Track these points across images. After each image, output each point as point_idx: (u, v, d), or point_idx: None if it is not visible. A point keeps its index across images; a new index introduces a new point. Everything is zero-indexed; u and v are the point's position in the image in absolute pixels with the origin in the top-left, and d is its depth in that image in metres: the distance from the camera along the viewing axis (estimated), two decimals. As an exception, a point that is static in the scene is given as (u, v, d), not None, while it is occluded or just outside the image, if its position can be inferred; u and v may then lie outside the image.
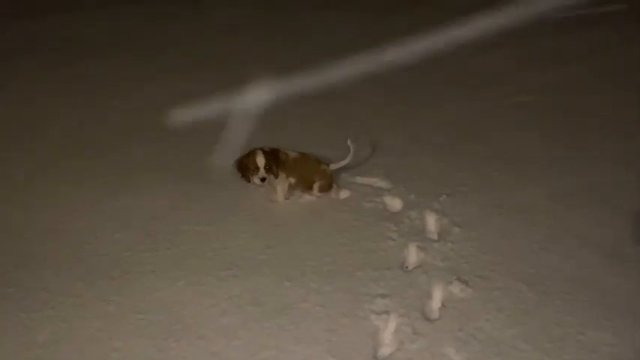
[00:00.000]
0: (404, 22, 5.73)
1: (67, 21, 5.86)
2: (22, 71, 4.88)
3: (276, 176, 3.08)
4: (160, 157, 3.67)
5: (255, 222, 3.08)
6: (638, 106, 4.21)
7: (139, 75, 4.80)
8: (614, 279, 2.70)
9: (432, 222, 3.06)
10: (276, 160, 3.07)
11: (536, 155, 3.65)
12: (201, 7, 6.27)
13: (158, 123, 4.06)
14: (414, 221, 3.06)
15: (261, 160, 2.99)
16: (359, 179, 3.38)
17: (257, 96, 4.41)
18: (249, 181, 3.07)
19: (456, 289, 2.64)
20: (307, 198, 3.23)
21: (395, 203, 3.20)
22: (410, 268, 2.79)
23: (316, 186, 3.18)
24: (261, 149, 3.04)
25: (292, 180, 3.18)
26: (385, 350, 2.39)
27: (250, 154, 3.04)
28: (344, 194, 3.26)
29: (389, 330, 2.46)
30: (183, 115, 4.17)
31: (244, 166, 3.05)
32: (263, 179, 3.01)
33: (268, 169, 3.01)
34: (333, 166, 3.21)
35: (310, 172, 3.17)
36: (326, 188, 3.20)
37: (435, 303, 2.60)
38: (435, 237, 2.97)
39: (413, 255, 2.86)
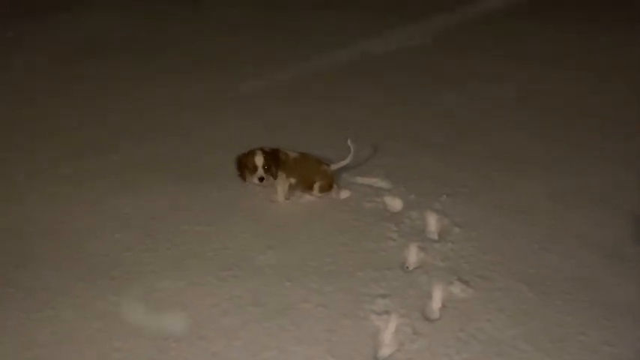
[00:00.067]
0: (404, 22, 5.74)
1: (67, 21, 5.86)
2: (22, 71, 4.87)
3: (275, 177, 3.08)
4: (159, 157, 3.66)
5: (255, 222, 3.08)
6: (638, 106, 4.22)
7: (139, 75, 4.80)
8: (614, 279, 2.71)
9: (432, 222, 3.06)
10: (275, 160, 3.07)
11: (536, 155, 3.65)
12: (201, 7, 6.27)
13: (158, 123, 4.06)
14: (415, 221, 3.06)
15: (259, 160, 2.99)
16: (359, 179, 3.38)
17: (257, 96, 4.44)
18: (245, 180, 3.07)
19: (457, 289, 2.64)
20: (308, 198, 3.23)
21: (395, 203, 3.20)
22: (410, 268, 2.79)
23: (317, 186, 3.18)
24: (262, 149, 3.04)
25: (293, 180, 3.17)
26: (386, 350, 2.39)
27: (250, 154, 3.04)
28: (344, 194, 3.26)
29: (389, 330, 2.46)
30: (184, 114, 4.18)
31: (242, 165, 3.06)
32: (261, 179, 3.01)
33: (267, 169, 3.01)
34: (333, 167, 3.21)
35: (311, 172, 3.17)
36: (326, 188, 3.20)
37: (436, 303, 2.60)
38: (436, 237, 2.98)
39: (413, 255, 2.86)
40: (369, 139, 3.68)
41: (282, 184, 3.16)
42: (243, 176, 3.08)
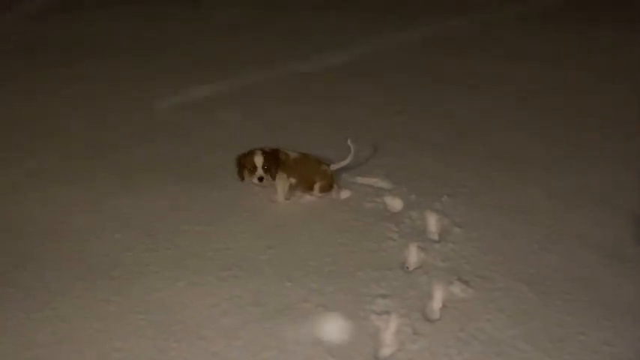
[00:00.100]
0: (404, 22, 5.74)
1: (67, 21, 5.86)
2: (22, 71, 4.87)
3: (273, 177, 3.07)
4: (159, 157, 3.66)
5: (255, 222, 3.08)
6: (638, 106, 4.22)
7: (139, 75, 4.80)
8: (614, 279, 2.70)
9: (432, 222, 3.06)
10: (275, 160, 3.07)
11: (536, 155, 3.65)
12: (201, 7, 6.28)
13: (158, 123, 4.06)
14: (415, 221, 3.06)
15: (259, 160, 3.00)
16: (359, 179, 3.38)
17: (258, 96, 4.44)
18: (242, 179, 3.07)
19: (457, 289, 2.64)
20: (308, 198, 3.23)
21: (395, 203, 3.20)
22: (411, 268, 2.79)
23: (317, 186, 3.17)
24: (262, 149, 3.04)
25: (293, 180, 3.17)
26: (386, 351, 2.39)
27: (249, 154, 3.04)
28: (345, 194, 3.26)
29: (390, 330, 2.46)
30: (184, 114, 4.18)
31: (241, 165, 3.06)
32: (260, 179, 3.01)
33: (266, 169, 3.01)
34: (333, 167, 3.21)
35: (311, 172, 3.17)
36: (327, 188, 3.20)
37: (436, 303, 2.59)
38: (436, 237, 2.97)
39: (414, 255, 2.85)
40: (369, 139, 3.68)
41: (282, 184, 3.16)
42: (241, 175, 3.08)
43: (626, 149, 3.68)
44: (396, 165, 3.50)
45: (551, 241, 2.93)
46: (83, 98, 4.44)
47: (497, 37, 5.43)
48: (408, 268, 2.79)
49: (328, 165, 3.21)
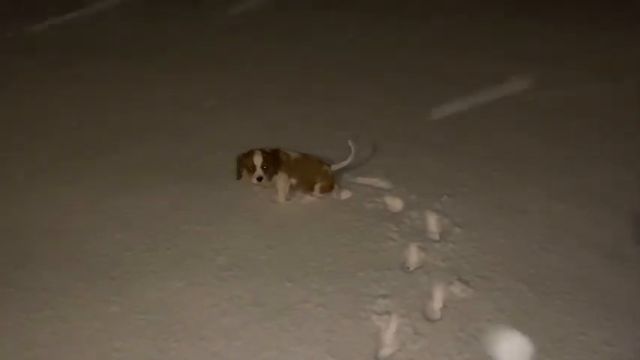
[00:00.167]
0: (404, 22, 5.74)
1: (67, 21, 5.86)
2: (22, 71, 4.87)
3: (270, 177, 3.07)
4: (159, 157, 3.66)
5: (256, 222, 3.08)
6: (638, 106, 4.22)
7: (139, 75, 4.80)
8: (614, 279, 2.70)
9: (432, 222, 3.06)
10: (275, 160, 3.07)
11: (536, 155, 3.65)
12: (201, 7, 6.28)
13: (158, 123, 4.06)
14: (415, 221, 3.06)
15: (258, 160, 2.99)
16: (360, 179, 3.38)
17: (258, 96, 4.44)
18: (239, 179, 3.07)
19: (457, 289, 2.64)
20: (308, 198, 3.23)
21: (396, 203, 3.20)
22: (411, 268, 2.79)
23: (317, 186, 3.18)
24: (262, 149, 3.04)
25: (293, 180, 3.17)
26: (386, 351, 2.39)
27: (249, 154, 3.03)
28: (345, 195, 3.26)
29: (390, 330, 2.46)
30: (184, 114, 4.18)
31: (240, 164, 3.06)
32: (259, 179, 3.01)
33: (265, 169, 3.01)
34: (334, 167, 3.21)
35: (311, 172, 3.17)
36: (327, 189, 3.20)
37: (436, 303, 2.59)
38: (436, 237, 2.97)
39: (414, 255, 2.85)
40: (369, 139, 3.68)
41: (282, 184, 3.16)
42: (239, 175, 3.07)
43: (626, 149, 3.68)
44: (396, 165, 3.50)
45: (551, 241, 2.93)
46: (83, 98, 4.44)
47: (497, 37, 5.43)
48: (408, 268, 2.79)
49: (329, 165, 3.21)
